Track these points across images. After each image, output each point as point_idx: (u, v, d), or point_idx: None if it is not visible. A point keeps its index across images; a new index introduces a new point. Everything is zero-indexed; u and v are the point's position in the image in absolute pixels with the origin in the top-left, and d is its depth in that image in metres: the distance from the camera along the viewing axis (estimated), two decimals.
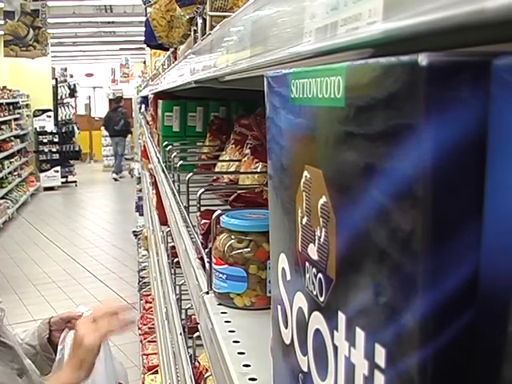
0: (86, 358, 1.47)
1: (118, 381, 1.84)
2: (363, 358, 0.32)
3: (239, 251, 0.96)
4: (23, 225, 9.37)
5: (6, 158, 10.50)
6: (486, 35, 0.29)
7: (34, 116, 12.96)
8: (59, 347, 1.67)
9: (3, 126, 10.60)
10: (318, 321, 0.40)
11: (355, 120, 0.33)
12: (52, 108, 13.19)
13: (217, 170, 1.98)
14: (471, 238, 0.26)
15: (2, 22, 10.16)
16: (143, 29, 2.98)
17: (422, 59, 0.26)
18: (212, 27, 1.36)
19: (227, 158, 1.94)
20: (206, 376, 1.43)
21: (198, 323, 1.12)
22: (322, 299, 0.39)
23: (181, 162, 1.90)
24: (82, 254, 7.59)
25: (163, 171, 2.49)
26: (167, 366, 2.62)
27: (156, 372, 3.68)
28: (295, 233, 0.44)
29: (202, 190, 1.32)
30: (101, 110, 21.68)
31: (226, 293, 0.97)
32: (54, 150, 12.92)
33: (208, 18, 1.43)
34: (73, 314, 1.77)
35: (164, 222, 2.68)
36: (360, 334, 0.33)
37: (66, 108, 14.55)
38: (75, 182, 13.33)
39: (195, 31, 1.82)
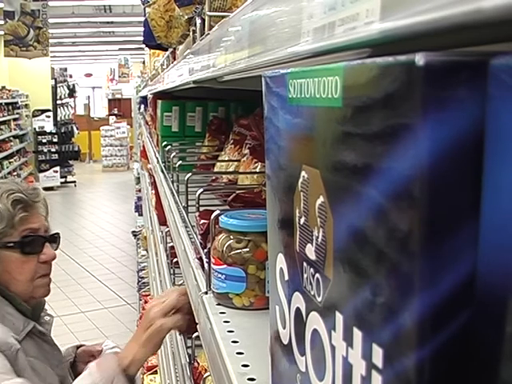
0: (153, 337, 1.38)
1: None
2: (361, 358, 0.32)
3: (238, 251, 0.96)
4: None
5: (5, 158, 10.51)
6: (483, 35, 0.29)
7: (33, 116, 12.97)
8: None
9: (2, 126, 10.61)
10: (315, 321, 0.40)
11: (353, 120, 0.32)
12: (51, 108, 13.20)
13: (216, 170, 1.98)
14: (468, 237, 0.26)
15: (1, 21, 10.16)
16: (142, 29, 2.98)
17: (419, 59, 0.26)
18: (211, 27, 1.36)
19: (226, 158, 1.94)
20: (205, 376, 1.43)
21: (197, 323, 1.12)
22: (319, 299, 0.39)
23: (180, 162, 1.90)
24: (81, 254, 7.59)
25: (162, 171, 2.49)
26: (166, 366, 2.62)
27: (155, 372, 3.68)
28: (293, 233, 0.44)
29: (201, 190, 1.32)
30: (100, 110, 21.70)
31: (225, 293, 0.97)
32: (53, 150, 12.92)
33: (207, 18, 1.43)
34: (95, 349, 1.76)
35: (163, 222, 2.68)
36: (357, 334, 0.33)
37: (65, 108, 14.56)
38: (74, 182, 13.33)
39: (194, 31, 1.82)
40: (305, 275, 0.42)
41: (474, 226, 0.26)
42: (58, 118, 13.75)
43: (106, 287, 6.40)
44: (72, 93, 15.69)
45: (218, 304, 0.98)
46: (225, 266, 0.96)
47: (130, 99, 16.36)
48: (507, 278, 0.25)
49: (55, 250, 1.64)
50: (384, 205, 0.29)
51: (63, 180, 13.14)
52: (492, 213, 0.26)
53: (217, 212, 1.03)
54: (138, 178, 7.98)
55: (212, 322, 0.92)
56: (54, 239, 1.64)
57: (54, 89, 13.69)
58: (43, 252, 1.57)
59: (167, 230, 2.35)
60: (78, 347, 1.79)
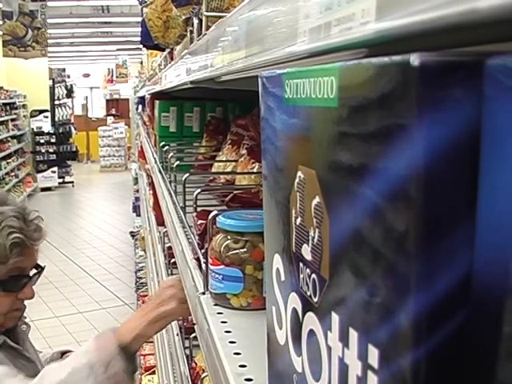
0: (161, 318, 1.36)
1: None
2: (356, 359, 0.32)
3: (235, 252, 0.96)
4: None
5: (3, 158, 10.50)
6: (479, 35, 0.29)
7: (31, 116, 12.95)
8: None
9: (0, 127, 10.59)
10: (311, 321, 0.40)
11: (348, 120, 0.32)
12: (49, 108, 13.19)
13: (213, 170, 1.98)
14: (465, 237, 0.26)
15: (0, 22, 10.16)
16: (140, 29, 2.98)
17: (414, 59, 0.25)
18: (208, 27, 1.36)
19: (224, 159, 1.94)
20: (202, 376, 1.43)
21: (194, 324, 1.12)
22: (315, 300, 0.39)
23: (177, 162, 1.90)
24: (79, 255, 7.58)
25: (160, 172, 2.49)
26: (164, 366, 2.62)
27: (153, 373, 3.68)
28: (289, 233, 0.44)
29: (199, 190, 1.32)
30: (98, 111, 21.68)
31: (223, 293, 0.97)
32: (51, 150, 12.91)
33: (204, 19, 1.43)
34: None
35: (161, 222, 2.68)
36: (353, 335, 0.33)
37: (63, 108, 14.55)
38: (72, 182, 13.31)
39: (191, 31, 1.82)
40: (301, 276, 0.42)
41: (470, 226, 0.26)
42: (56, 119, 13.74)
43: (104, 288, 6.40)
44: (70, 93, 15.68)
45: (216, 304, 0.98)
46: (222, 266, 0.96)
47: (127, 99, 16.37)
48: (504, 278, 0.24)
49: (37, 280, 1.61)
50: (380, 205, 0.29)
51: (61, 180, 13.12)
52: (488, 213, 0.25)
53: (214, 212, 1.02)
54: (136, 179, 7.98)
55: (209, 322, 0.92)
56: (37, 277, 1.61)
57: (52, 89, 13.68)
58: (23, 290, 1.54)
59: (165, 230, 2.35)
60: (63, 353, 1.76)
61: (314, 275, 0.39)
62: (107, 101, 20.13)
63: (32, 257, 1.55)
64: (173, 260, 2.04)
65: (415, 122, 0.26)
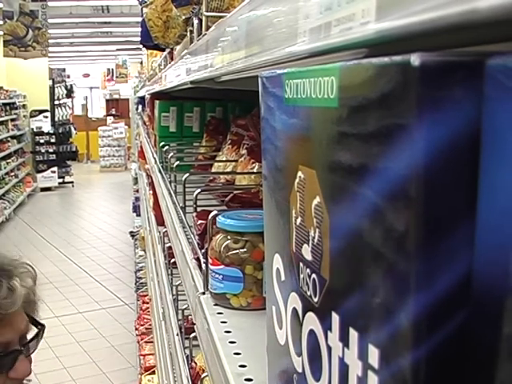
0: None
1: None
2: (357, 359, 0.32)
3: (235, 252, 0.96)
4: (20, 225, 9.36)
5: (3, 158, 10.49)
6: (480, 35, 0.29)
7: (31, 116, 12.94)
8: None
9: (0, 127, 10.59)
10: (312, 321, 0.40)
11: (348, 120, 0.32)
12: (49, 108, 13.18)
13: (213, 170, 1.98)
14: (465, 237, 0.26)
15: (1, 22, 10.17)
16: (140, 29, 2.98)
17: (415, 59, 0.25)
18: (208, 27, 1.36)
19: (224, 159, 1.94)
20: (202, 376, 1.43)
21: (194, 324, 1.12)
22: (315, 300, 0.39)
23: (177, 162, 1.90)
24: (78, 255, 7.58)
25: (160, 172, 2.49)
26: (164, 366, 2.62)
27: (153, 373, 3.68)
28: (289, 233, 0.44)
29: (199, 190, 1.32)
30: (98, 111, 21.67)
31: (223, 293, 0.97)
32: (50, 150, 12.90)
33: (204, 19, 1.43)
34: None
35: (161, 222, 2.68)
36: (353, 335, 0.33)
37: (63, 108, 14.55)
38: (72, 182, 13.30)
39: (191, 31, 1.82)
40: (301, 275, 0.42)
41: (470, 226, 0.26)
42: (56, 119, 13.74)
43: (104, 288, 6.40)
44: (70, 93, 15.67)
45: (216, 304, 0.98)
46: (222, 266, 0.96)
47: (127, 99, 16.36)
48: (504, 278, 0.24)
49: (35, 349, 1.35)
50: (380, 205, 0.29)
51: (61, 180, 13.10)
52: (488, 212, 0.25)
53: (214, 212, 1.02)
54: (136, 179, 7.97)
55: (209, 322, 0.92)
56: (34, 343, 1.35)
57: (52, 89, 13.67)
58: (15, 368, 1.24)
59: (165, 230, 2.35)
60: None
61: (314, 275, 0.39)
62: (107, 101, 20.11)
63: (12, 327, 1.25)
64: (173, 260, 2.04)
65: (415, 121, 0.26)
